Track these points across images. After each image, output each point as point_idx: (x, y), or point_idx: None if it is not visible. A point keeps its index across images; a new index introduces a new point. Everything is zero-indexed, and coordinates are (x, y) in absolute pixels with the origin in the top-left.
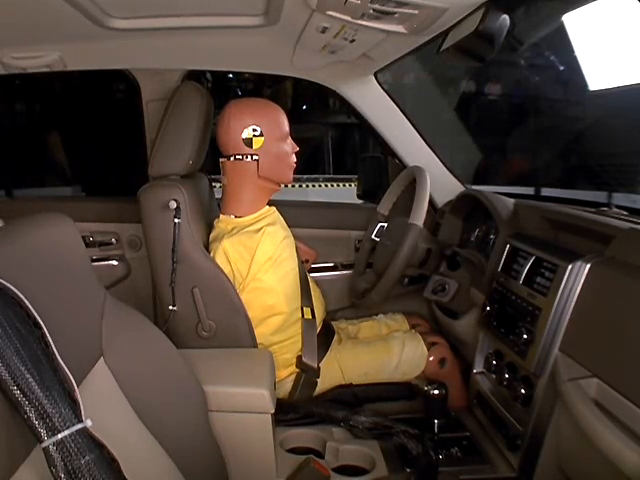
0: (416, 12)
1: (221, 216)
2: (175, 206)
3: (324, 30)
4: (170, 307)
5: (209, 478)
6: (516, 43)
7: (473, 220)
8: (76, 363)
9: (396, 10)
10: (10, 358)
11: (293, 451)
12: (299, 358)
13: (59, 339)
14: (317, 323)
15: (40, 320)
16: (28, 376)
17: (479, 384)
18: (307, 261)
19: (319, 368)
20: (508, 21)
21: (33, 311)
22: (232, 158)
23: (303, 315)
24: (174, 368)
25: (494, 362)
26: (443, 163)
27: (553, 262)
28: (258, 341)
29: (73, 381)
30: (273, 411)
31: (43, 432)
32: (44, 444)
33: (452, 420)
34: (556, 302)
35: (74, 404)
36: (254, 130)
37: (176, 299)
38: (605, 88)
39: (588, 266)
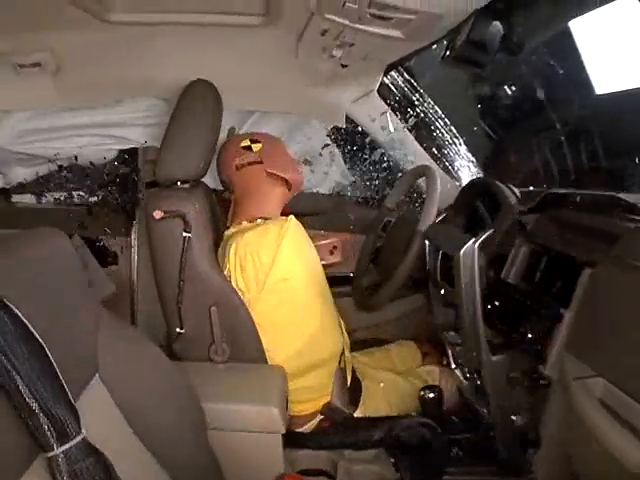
0: (413, 17)
1: (231, 228)
2: (184, 220)
3: (324, 32)
4: (177, 329)
5: None
6: (515, 47)
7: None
8: (71, 379)
9: (393, 15)
10: (25, 370)
11: (303, 473)
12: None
13: (54, 355)
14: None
15: (36, 333)
16: (40, 387)
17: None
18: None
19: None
20: (499, 27)
21: (29, 325)
22: (239, 168)
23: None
24: (171, 385)
25: None
26: (444, 171)
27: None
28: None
29: (68, 391)
30: (284, 431)
31: (53, 441)
32: (51, 453)
33: (453, 423)
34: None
35: (76, 414)
36: (250, 140)
37: (187, 319)
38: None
39: (595, 265)
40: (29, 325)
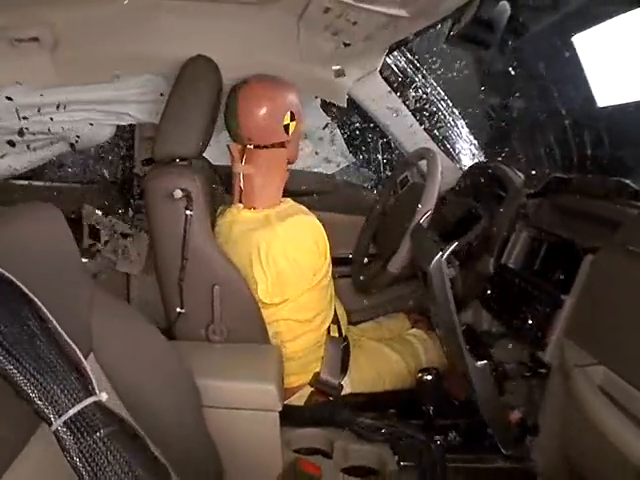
0: None
1: (242, 208)
2: (186, 196)
3: (327, 10)
4: (178, 309)
5: (204, 477)
6: (521, 28)
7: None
8: None
9: None
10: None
11: (299, 452)
12: (316, 375)
13: None
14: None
15: (32, 295)
16: (22, 353)
17: None
18: None
19: (341, 386)
20: (507, 6)
21: (21, 285)
22: (269, 146)
23: (329, 332)
24: (167, 363)
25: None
26: (445, 153)
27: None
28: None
29: (79, 354)
30: (280, 409)
31: (51, 413)
32: (53, 427)
33: (453, 407)
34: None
35: (82, 377)
36: (291, 114)
37: (187, 298)
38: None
39: (596, 252)
40: (21, 286)
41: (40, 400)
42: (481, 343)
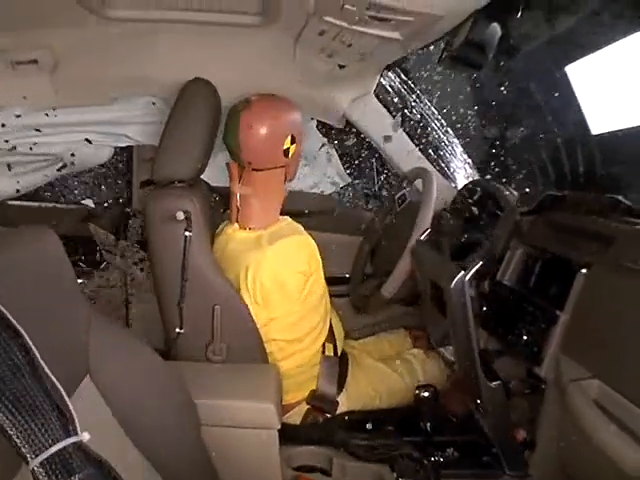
0: (411, 19)
1: (237, 228)
2: (186, 218)
3: (322, 32)
4: (177, 330)
5: None
6: (512, 50)
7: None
8: (61, 381)
9: (391, 17)
10: None
11: (298, 470)
12: (312, 393)
13: (42, 356)
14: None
15: (20, 328)
16: (4, 392)
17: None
18: None
19: (337, 402)
20: (498, 29)
21: (10, 318)
22: (267, 170)
23: (324, 351)
24: (166, 385)
25: None
26: (440, 172)
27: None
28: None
29: (62, 391)
30: (279, 427)
31: (28, 452)
32: (30, 465)
33: (451, 423)
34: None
35: (63, 417)
36: (291, 138)
37: (187, 319)
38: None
39: (590, 267)
40: (8, 316)
41: (18, 438)
42: (487, 362)
